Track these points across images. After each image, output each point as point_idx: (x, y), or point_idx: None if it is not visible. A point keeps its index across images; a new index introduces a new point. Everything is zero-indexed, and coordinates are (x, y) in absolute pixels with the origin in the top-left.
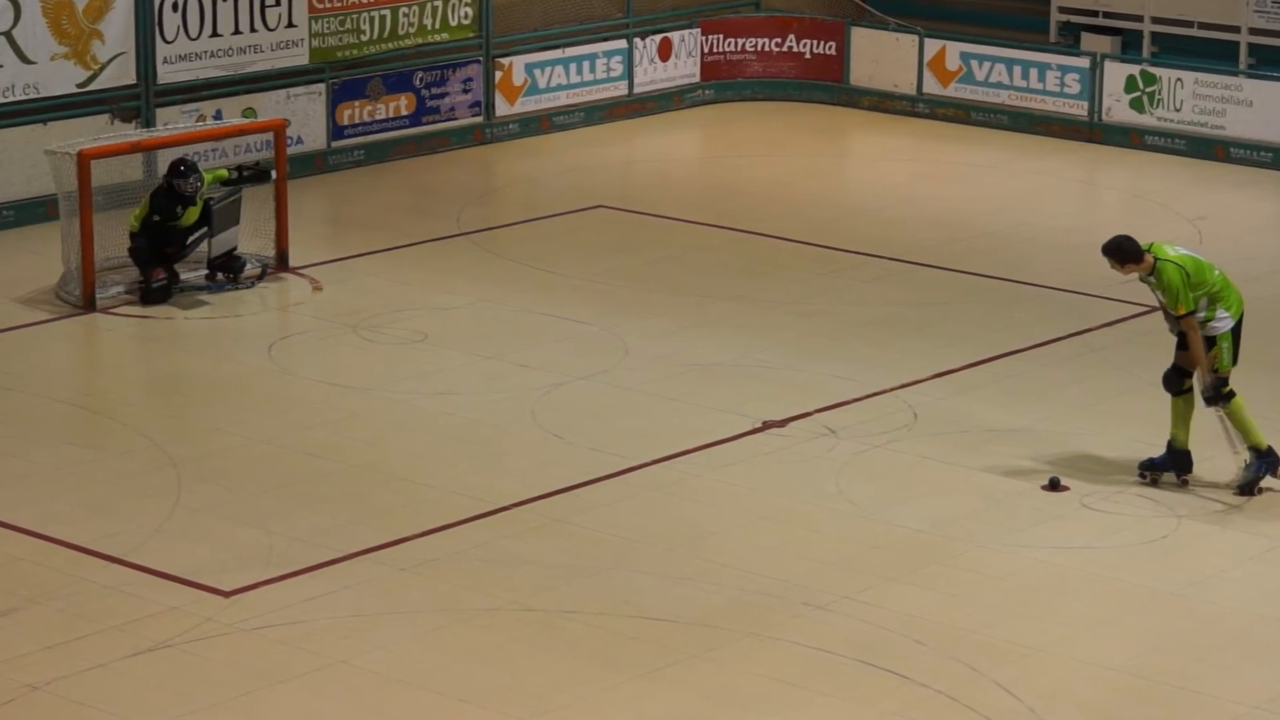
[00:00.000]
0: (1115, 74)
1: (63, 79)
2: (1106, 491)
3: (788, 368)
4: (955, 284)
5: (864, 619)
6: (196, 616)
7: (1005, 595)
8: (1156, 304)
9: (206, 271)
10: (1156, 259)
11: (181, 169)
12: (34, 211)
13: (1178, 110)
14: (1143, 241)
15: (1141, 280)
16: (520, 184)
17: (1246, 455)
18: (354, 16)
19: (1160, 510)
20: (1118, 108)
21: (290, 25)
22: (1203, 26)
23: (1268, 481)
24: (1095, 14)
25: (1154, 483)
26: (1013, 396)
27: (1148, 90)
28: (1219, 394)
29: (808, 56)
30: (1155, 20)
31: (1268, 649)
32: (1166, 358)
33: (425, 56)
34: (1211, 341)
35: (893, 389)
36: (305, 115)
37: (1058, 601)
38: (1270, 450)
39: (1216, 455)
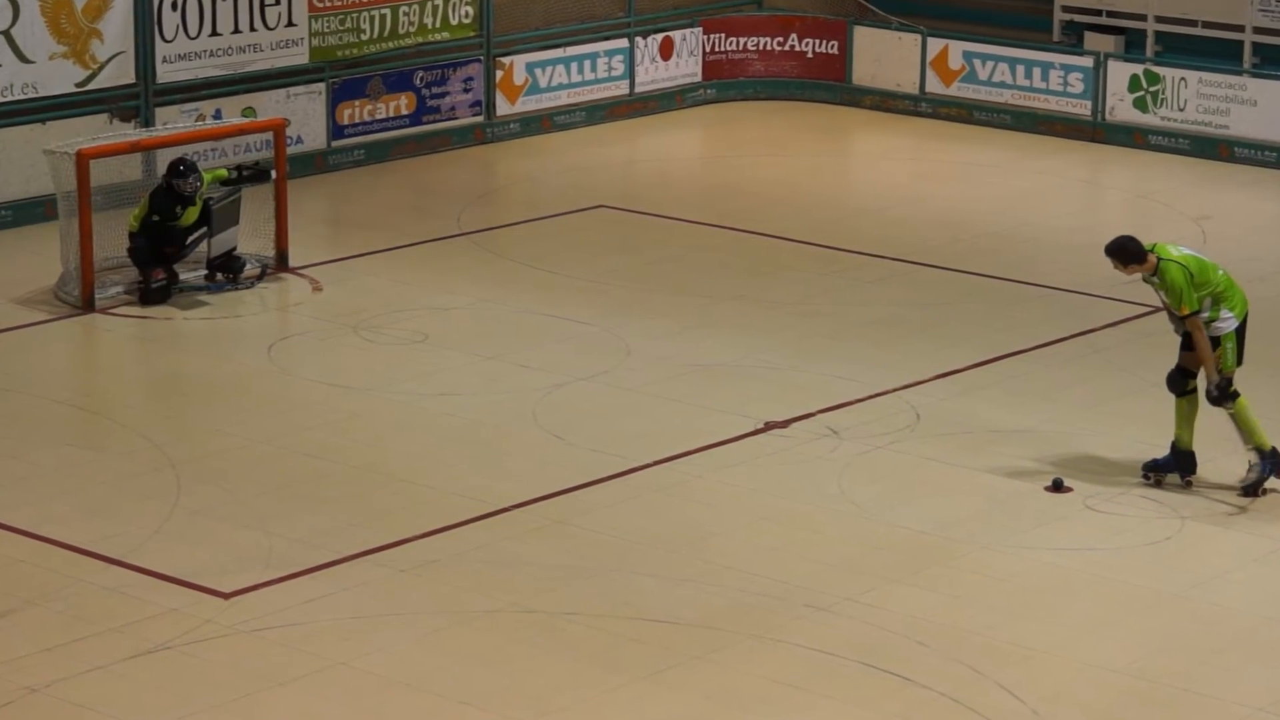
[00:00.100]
0: (1119, 73)
1: (61, 78)
2: (1110, 493)
3: (790, 368)
4: (958, 284)
5: (866, 620)
6: (196, 618)
7: (1008, 597)
8: (1160, 304)
9: (206, 272)
10: (1160, 259)
11: (181, 169)
12: (33, 211)
13: (1181, 110)
14: (1146, 242)
15: (1145, 281)
16: (521, 184)
17: (1252, 456)
18: (354, 15)
19: (1164, 512)
20: (1121, 107)
21: (290, 24)
22: (1207, 25)
23: (1272, 483)
24: (1099, 13)
25: (1158, 484)
26: (1016, 397)
27: (1151, 90)
28: (1225, 394)
29: (810, 56)
30: (1159, 19)
31: (1272, 651)
32: (1170, 358)
33: (426, 56)
34: (1216, 342)
35: (895, 389)
36: (305, 115)
37: (1061, 603)
38: (1275, 451)
39: (1220, 456)
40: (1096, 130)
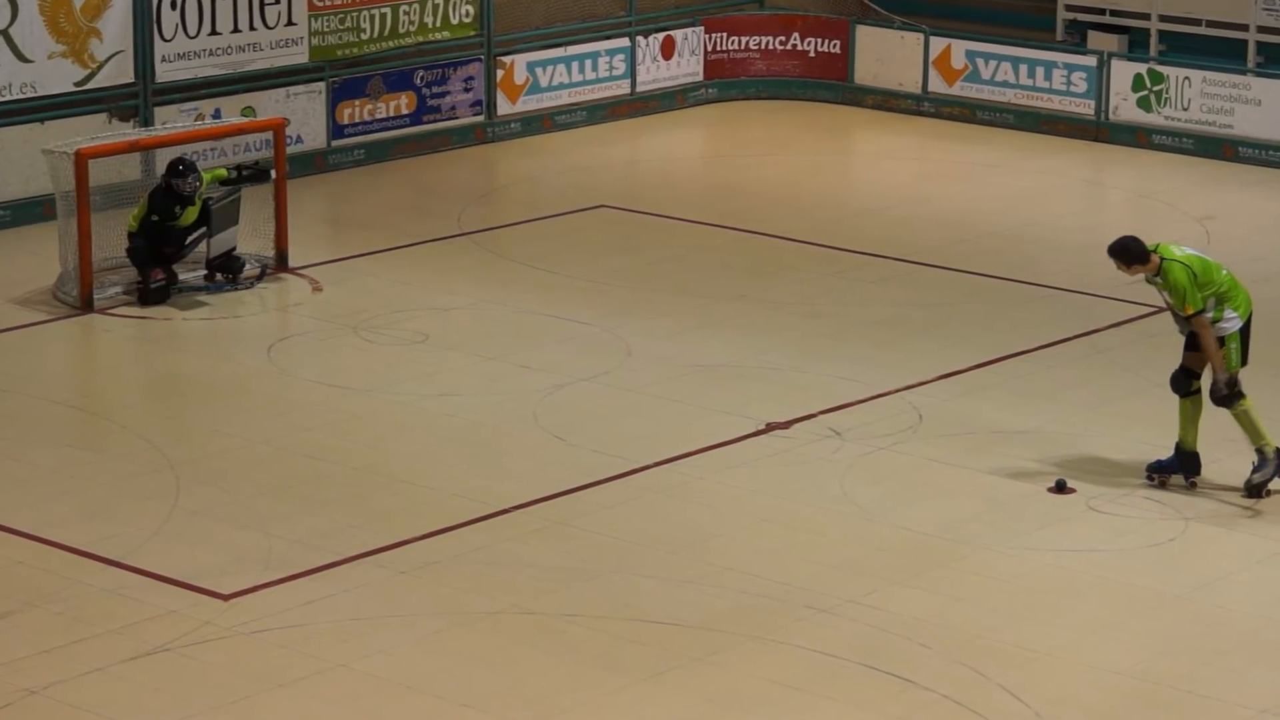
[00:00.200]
0: (1122, 73)
1: (60, 78)
2: (1113, 494)
3: (792, 369)
4: (961, 284)
5: (868, 622)
6: (195, 620)
7: (1011, 598)
8: (1163, 305)
9: (205, 272)
10: (1163, 259)
11: (180, 168)
12: (31, 211)
13: (1185, 109)
14: (1149, 242)
15: (1148, 281)
16: (522, 183)
17: (1256, 457)
18: (354, 15)
19: (1168, 513)
20: (1125, 106)
21: (290, 23)
22: (1211, 25)
23: (1276, 484)
24: (1102, 12)
25: (1162, 485)
26: (1019, 398)
27: (1155, 89)
28: (1233, 394)
29: (812, 55)
30: (1163, 18)
31: (1276, 652)
32: (1174, 359)
33: (426, 55)
34: (1220, 342)
35: (898, 390)
36: (305, 114)
37: (1064, 605)
38: (1279, 452)
39: (1224, 457)
40: (1100, 130)
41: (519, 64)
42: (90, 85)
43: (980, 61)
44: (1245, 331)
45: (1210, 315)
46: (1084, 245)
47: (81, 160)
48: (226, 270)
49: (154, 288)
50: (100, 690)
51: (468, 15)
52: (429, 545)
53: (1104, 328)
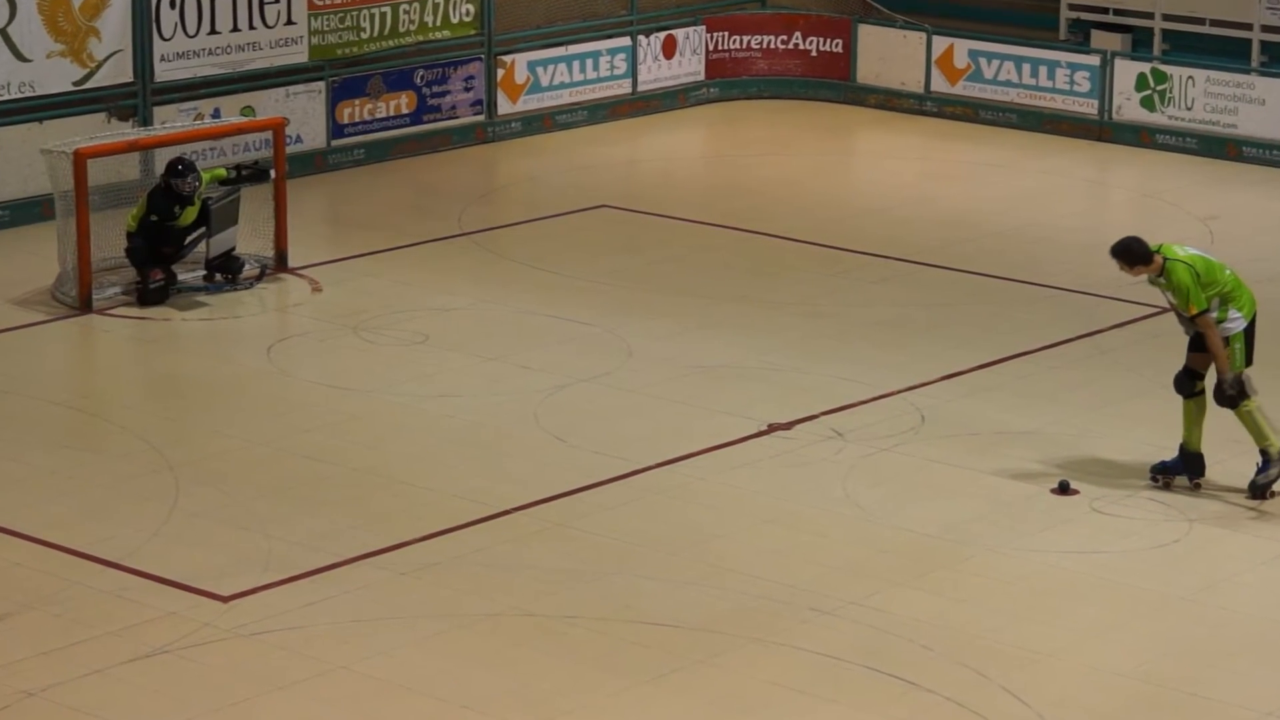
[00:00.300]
0: (1126, 72)
1: (59, 77)
2: (1117, 495)
3: (793, 370)
4: (963, 285)
5: (871, 624)
6: (194, 622)
7: (1014, 600)
8: (1167, 305)
9: (204, 272)
10: (1166, 259)
11: (179, 168)
12: (30, 211)
13: (1189, 109)
14: (1152, 242)
15: (1151, 283)
16: (522, 183)
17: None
18: (354, 14)
19: (1171, 514)
20: (1128, 106)
21: (289, 22)
22: (1214, 24)
23: None
24: (1105, 11)
25: (1166, 486)
26: (1022, 399)
27: (1158, 88)
28: (1241, 393)
29: (814, 54)
30: (1166, 17)
31: None
32: (1178, 360)
33: (426, 54)
34: (1224, 343)
35: (900, 391)
36: (305, 114)
37: (1067, 606)
38: None
39: (1229, 458)
40: (1103, 129)
41: (519, 63)
42: (89, 85)
43: (983, 61)
44: (1249, 332)
45: (1214, 316)
46: (1087, 245)
47: (80, 160)
48: (226, 270)
49: (153, 288)
50: (99, 692)
51: (468, 14)
52: (429, 547)
53: (1107, 328)
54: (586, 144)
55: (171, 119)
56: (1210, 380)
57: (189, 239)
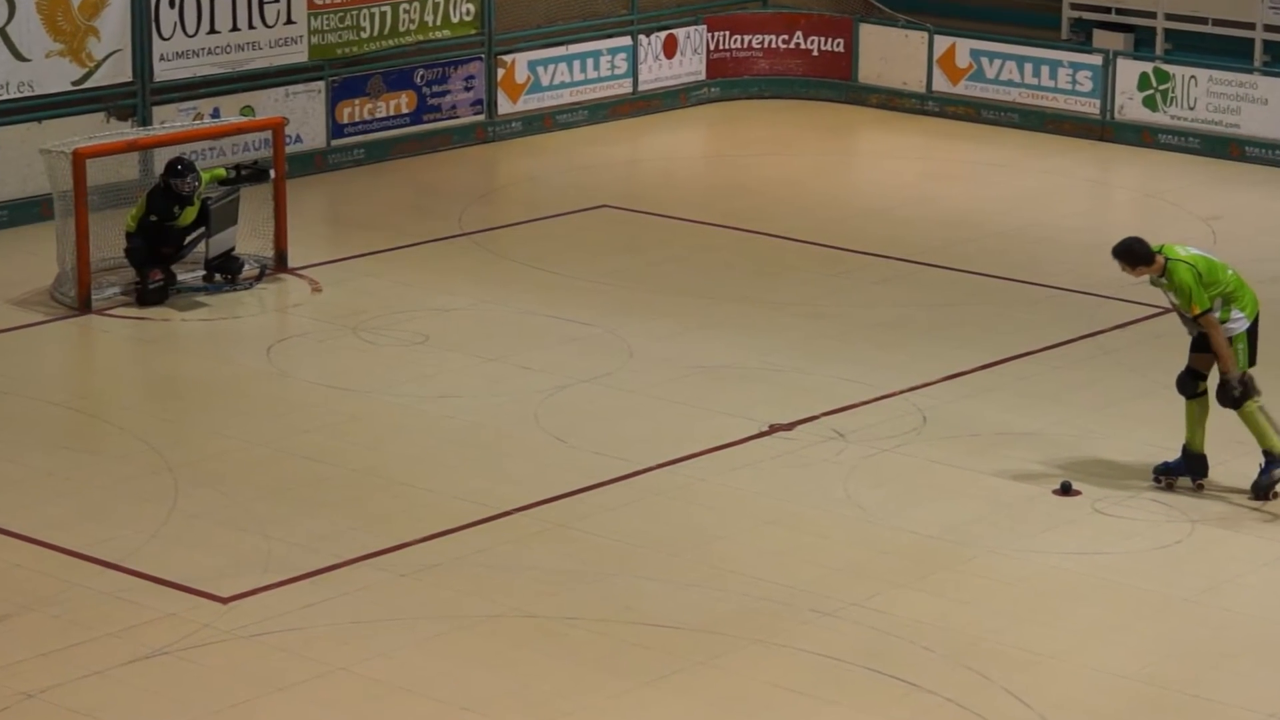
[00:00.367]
0: (1128, 71)
1: (58, 76)
2: (1119, 496)
3: (795, 370)
4: (965, 285)
5: (872, 625)
6: (193, 623)
7: (1016, 601)
8: (1169, 305)
9: (204, 272)
10: (1167, 259)
11: (178, 168)
12: (29, 211)
13: (1191, 108)
14: (1153, 243)
15: (1153, 283)
16: (523, 183)
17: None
18: (354, 13)
19: (1174, 515)
20: (1130, 106)
21: (289, 22)
22: (1217, 23)
23: None
24: (1108, 10)
25: (1169, 487)
26: (1024, 399)
27: (1161, 88)
28: (1248, 392)
29: (815, 54)
30: (1168, 17)
31: None
32: (1180, 360)
33: (426, 54)
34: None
35: (902, 392)
36: (304, 113)
37: (1069, 608)
38: None
39: (1232, 459)
40: (1105, 129)
41: (520, 63)
42: (88, 84)
43: (985, 60)
44: (1253, 332)
45: (1217, 316)
46: (1089, 245)
47: (79, 160)
48: (225, 271)
49: (152, 288)
50: (98, 694)
51: (468, 13)
52: (429, 548)
53: (1109, 328)
54: (587, 144)
55: (171, 119)
56: (1213, 381)
57: (188, 239)
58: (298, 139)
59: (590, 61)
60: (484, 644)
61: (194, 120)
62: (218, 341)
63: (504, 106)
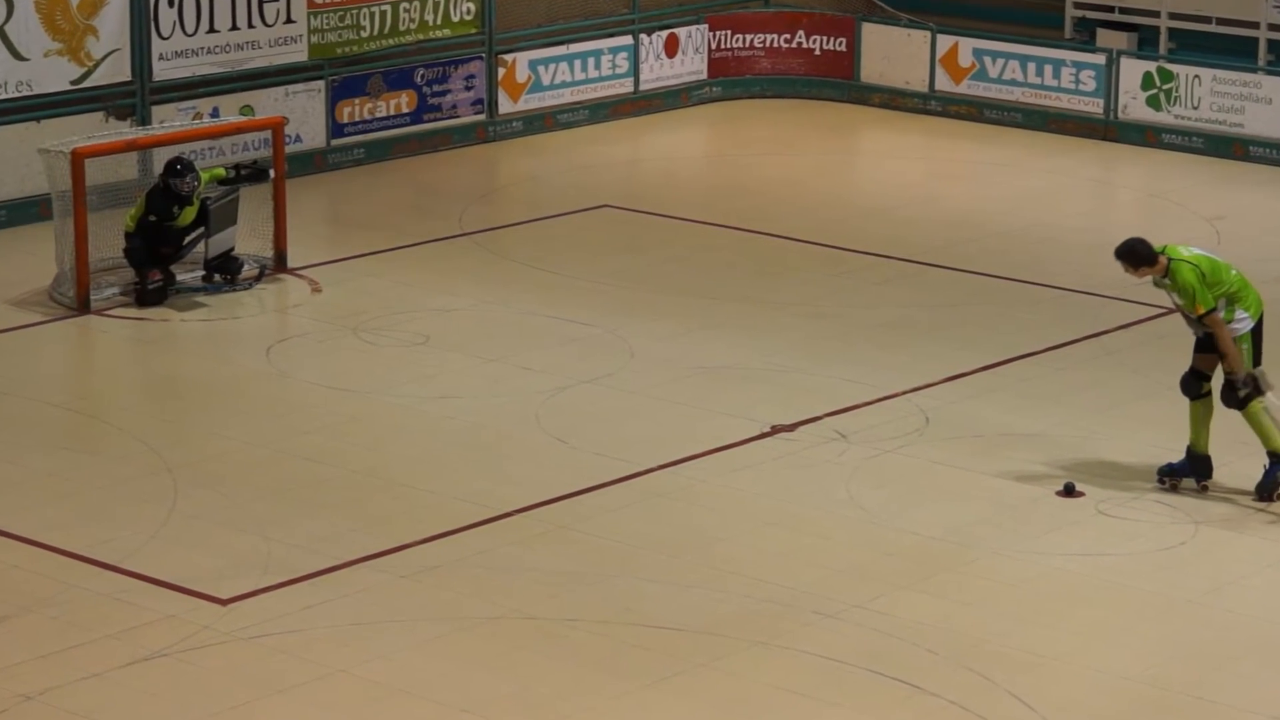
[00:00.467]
0: (1131, 71)
1: (56, 76)
2: (1122, 497)
3: (797, 371)
4: (968, 285)
5: (874, 627)
6: (193, 625)
7: (1019, 603)
8: (1172, 306)
9: (203, 273)
10: (1170, 260)
11: (178, 168)
12: (27, 211)
13: (1195, 108)
14: (1156, 244)
15: (1156, 284)
16: (524, 183)
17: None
18: (354, 12)
19: (1177, 516)
20: (1134, 105)
21: (289, 21)
22: (1221, 22)
23: None
24: (1111, 9)
25: (1173, 488)
26: (1027, 400)
27: (1165, 87)
28: (1258, 389)
29: (817, 53)
30: (1172, 16)
31: None
32: (1184, 361)
33: (427, 53)
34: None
35: (904, 393)
36: (304, 113)
37: (1072, 609)
38: None
39: (1236, 460)
40: (1109, 129)
41: (520, 62)
42: (87, 83)
43: (988, 59)
44: (1257, 332)
45: (1221, 316)
46: (1092, 245)
47: (78, 159)
48: (225, 271)
49: (151, 289)
50: (97, 696)
51: (469, 12)
52: (429, 549)
53: (1113, 329)
54: (588, 143)
55: (170, 118)
56: (1217, 382)
57: (187, 239)
58: (297, 139)
59: (591, 61)
60: (484, 646)
61: (193, 120)
62: (217, 342)
63: (505, 106)
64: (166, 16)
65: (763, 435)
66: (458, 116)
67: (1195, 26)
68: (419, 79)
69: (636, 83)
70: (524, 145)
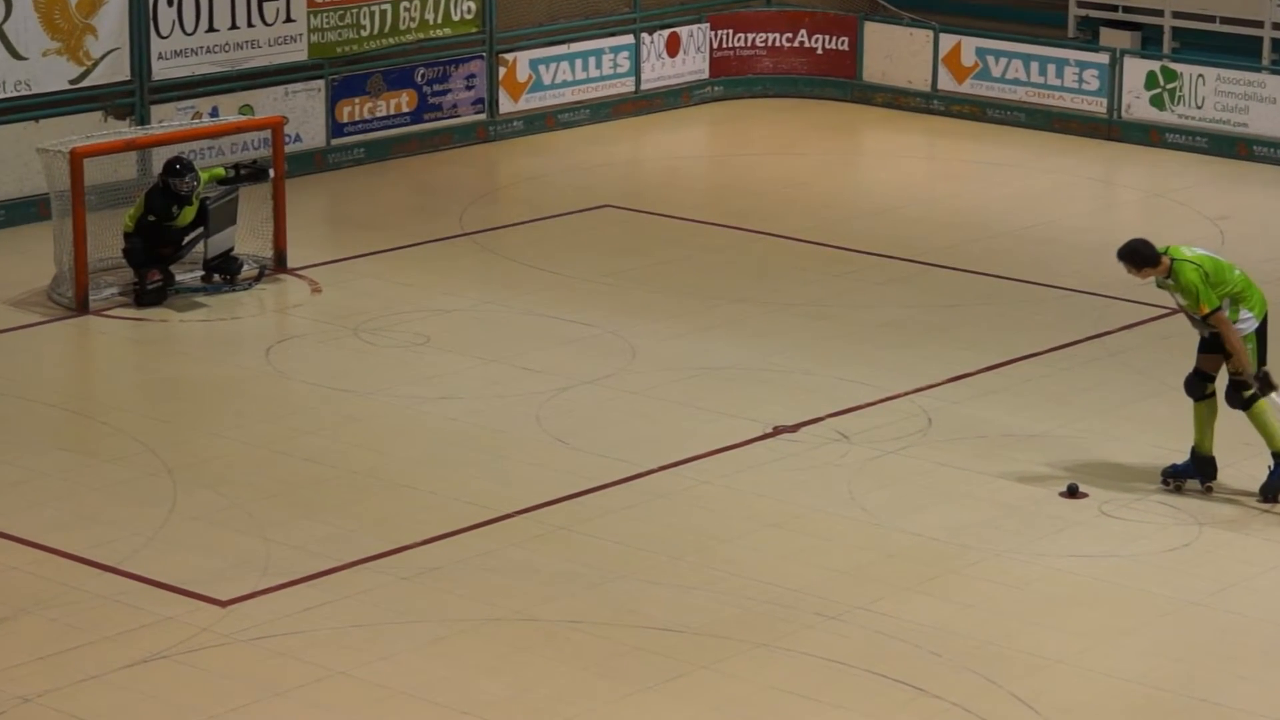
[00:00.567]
0: (1135, 70)
1: (55, 75)
2: (1126, 498)
3: (799, 371)
4: (970, 286)
5: (877, 629)
6: (192, 626)
7: (1022, 605)
8: (1175, 306)
9: (203, 273)
10: (1173, 260)
11: (177, 168)
12: (26, 211)
13: (1199, 107)
14: (1159, 244)
15: (1159, 285)
16: (524, 183)
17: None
18: (354, 11)
19: (1181, 518)
20: (1137, 104)
21: (289, 20)
22: (1225, 21)
23: None
24: (1115, 8)
25: (1177, 490)
26: (1030, 401)
27: (1168, 87)
28: (1266, 388)
29: (819, 52)
30: (1176, 15)
31: None
32: (1188, 362)
33: (427, 52)
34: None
35: (907, 393)
36: (304, 112)
37: (1076, 611)
38: None
39: (1240, 461)
40: (1112, 128)
41: (521, 61)
42: (85, 83)
43: (991, 59)
44: (1262, 332)
45: (1226, 314)
46: (1096, 245)
47: (77, 159)
48: (224, 271)
49: (150, 289)
50: (96, 698)
51: (469, 11)
52: (430, 551)
53: (1117, 330)
54: (589, 143)
55: (169, 118)
56: (1221, 383)
57: (187, 239)
58: (297, 138)
59: (592, 60)
60: (485, 648)
61: (192, 119)
62: (216, 342)
63: (505, 105)
64: (165, 16)
65: (765, 436)
66: (458, 116)
67: (1199, 25)
68: (419, 78)
69: (638, 82)
70: (525, 145)
